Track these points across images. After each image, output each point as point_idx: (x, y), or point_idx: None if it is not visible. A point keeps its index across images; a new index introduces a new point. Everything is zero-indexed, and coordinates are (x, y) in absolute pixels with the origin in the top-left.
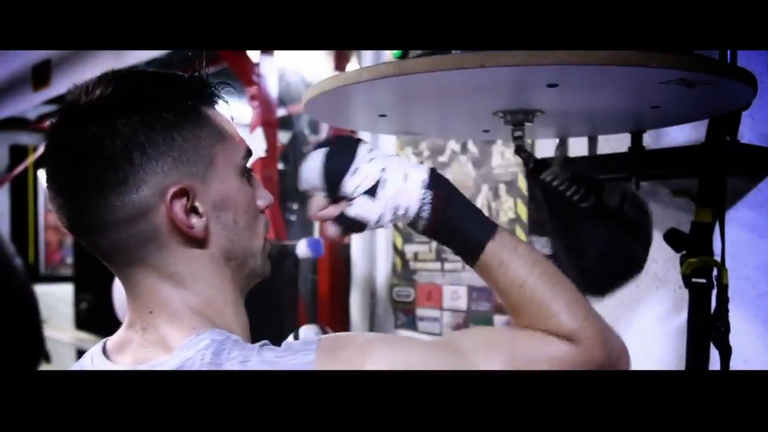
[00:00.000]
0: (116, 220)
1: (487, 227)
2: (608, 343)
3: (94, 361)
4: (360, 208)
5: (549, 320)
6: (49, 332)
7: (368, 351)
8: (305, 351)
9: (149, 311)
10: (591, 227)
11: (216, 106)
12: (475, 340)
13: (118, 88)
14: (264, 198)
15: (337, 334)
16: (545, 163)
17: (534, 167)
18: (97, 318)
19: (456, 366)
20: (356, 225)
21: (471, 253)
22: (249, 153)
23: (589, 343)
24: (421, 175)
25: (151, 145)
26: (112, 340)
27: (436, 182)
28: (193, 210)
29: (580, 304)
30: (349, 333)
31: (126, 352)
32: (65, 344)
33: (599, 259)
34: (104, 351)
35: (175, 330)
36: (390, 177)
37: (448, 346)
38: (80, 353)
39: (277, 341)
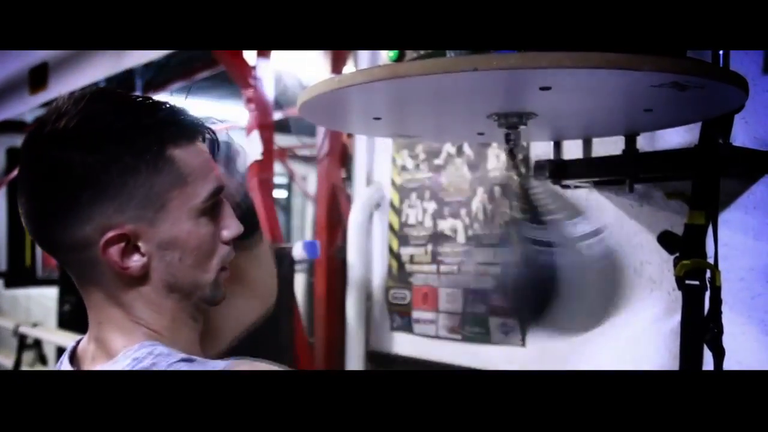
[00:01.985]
0: (60, 245)
1: None
2: None
3: (62, 368)
4: None
5: None
6: (45, 334)
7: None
8: (217, 365)
9: (99, 322)
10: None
11: (191, 143)
12: None
13: (84, 120)
14: (231, 228)
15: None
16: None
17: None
18: (80, 319)
19: None
20: None
21: None
22: (218, 190)
23: None
24: None
25: (102, 187)
26: (79, 347)
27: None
28: (135, 248)
29: None
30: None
31: (84, 362)
32: (62, 347)
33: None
34: (72, 359)
35: (119, 341)
36: None
37: None
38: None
39: (273, 343)
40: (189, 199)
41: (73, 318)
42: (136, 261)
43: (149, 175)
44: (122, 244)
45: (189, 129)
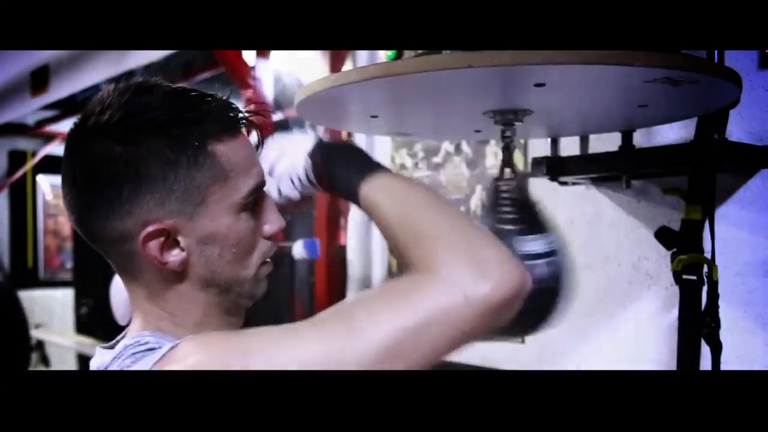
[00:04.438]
0: (101, 237)
1: (363, 174)
2: (479, 274)
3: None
4: (269, 186)
5: (412, 259)
6: (48, 336)
7: (253, 352)
8: (162, 349)
9: (132, 311)
10: None
11: (233, 137)
12: (360, 314)
13: (127, 113)
14: (273, 223)
15: (221, 332)
16: (508, 174)
17: (499, 174)
18: (96, 322)
19: (354, 350)
20: (283, 200)
21: (349, 197)
22: (260, 185)
23: (453, 275)
24: (306, 146)
25: (143, 181)
26: None
27: (319, 147)
28: (174, 243)
29: (446, 235)
30: (230, 332)
31: None
32: (65, 348)
33: None
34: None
35: (136, 329)
36: (282, 155)
37: (339, 329)
38: (80, 357)
39: None
40: (230, 194)
41: (90, 321)
42: (175, 256)
43: (190, 169)
44: (162, 239)
45: (231, 123)
